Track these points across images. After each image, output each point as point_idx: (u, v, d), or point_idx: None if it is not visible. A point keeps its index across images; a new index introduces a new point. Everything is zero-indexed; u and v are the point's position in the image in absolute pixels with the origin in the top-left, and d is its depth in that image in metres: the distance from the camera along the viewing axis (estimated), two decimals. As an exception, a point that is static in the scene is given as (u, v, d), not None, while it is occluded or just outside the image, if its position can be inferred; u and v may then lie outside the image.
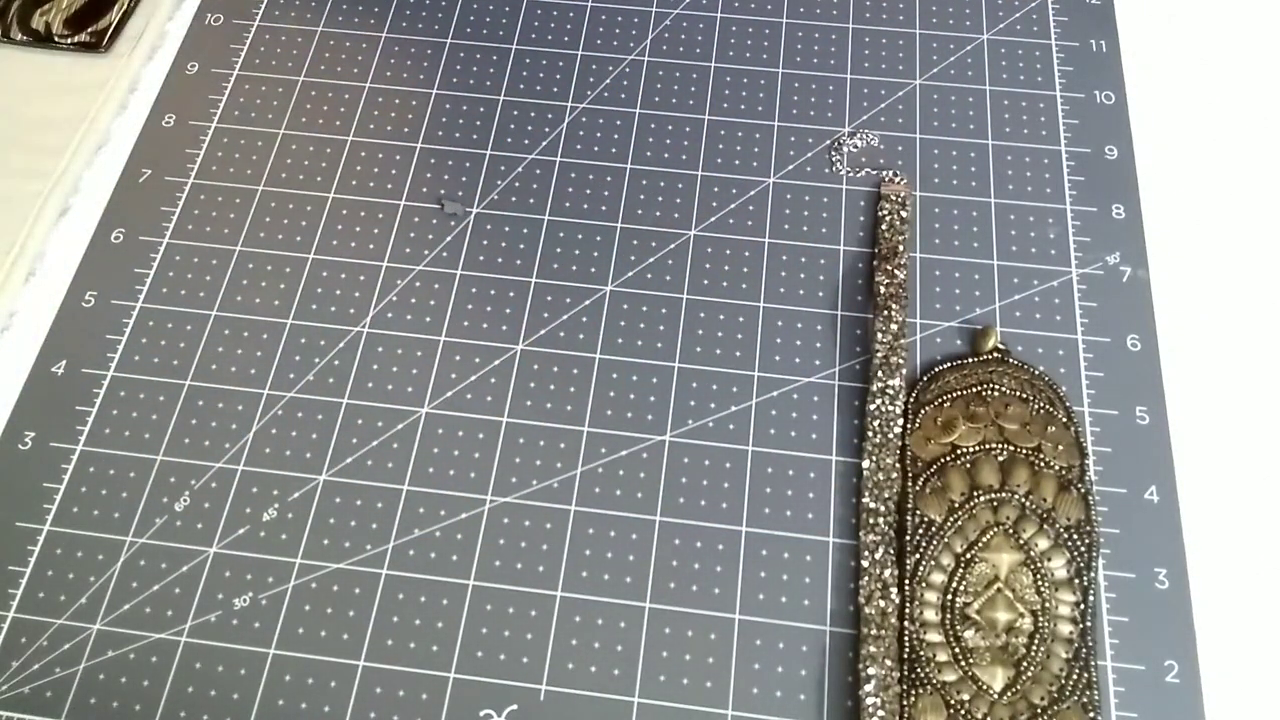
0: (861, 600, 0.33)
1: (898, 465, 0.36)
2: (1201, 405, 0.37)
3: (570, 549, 0.35)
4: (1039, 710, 0.32)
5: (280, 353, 0.39)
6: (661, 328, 0.39)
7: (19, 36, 0.46)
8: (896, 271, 0.39)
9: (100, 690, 0.33)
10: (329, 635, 0.34)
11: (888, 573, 0.34)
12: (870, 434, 0.36)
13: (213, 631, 0.34)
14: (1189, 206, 0.42)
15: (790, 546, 0.35)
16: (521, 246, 0.41)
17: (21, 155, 0.43)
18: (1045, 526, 0.34)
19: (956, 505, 0.34)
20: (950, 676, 0.32)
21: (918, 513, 0.35)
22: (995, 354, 0.38)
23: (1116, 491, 0.35)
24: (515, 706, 0.33)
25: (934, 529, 0.34)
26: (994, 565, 0.34)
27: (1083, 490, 0.35)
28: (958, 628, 0.33)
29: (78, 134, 0.44)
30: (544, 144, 0.44)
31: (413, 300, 0.40)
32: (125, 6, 0.47)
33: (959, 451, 0.36)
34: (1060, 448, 0.35)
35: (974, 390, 0.37)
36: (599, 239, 0.41)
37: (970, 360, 0.38)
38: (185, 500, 0.36)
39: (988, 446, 0.36)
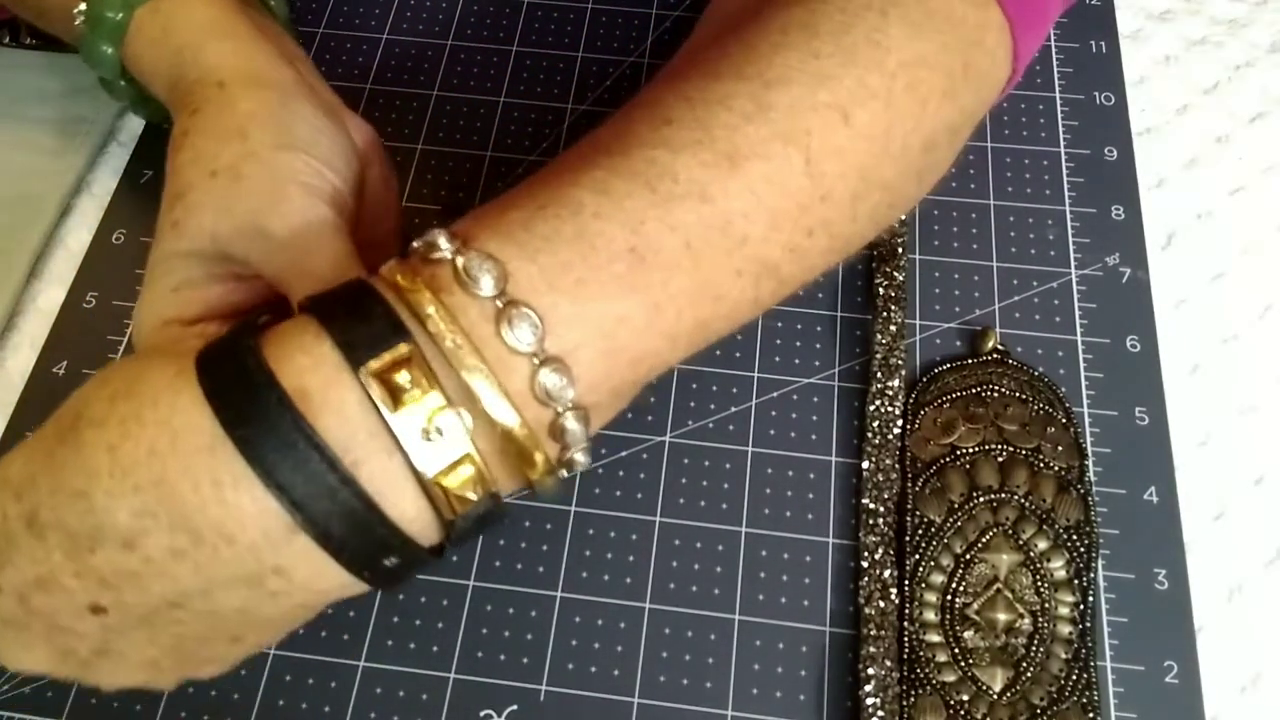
0: (861, 600, 0.33)
1: (897, 466, 0.36)
2: (1201, 405, 0.37)
3: (570, 549, 0.35)
4: (1038, 710, 0.32)
5: (281, 353, 0.39)
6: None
7: (29, 41, 0.46)
8: (896, 273, 0.39)
9: (100, 690, 0.33)
10: (329, 635, 0.34)
11: (887, 573, 0.34)
12: (870, 435, 0.36)
13: (213, 631, 0.34)
14: (1189, 207, 0.42)
15: (790, 547, 0.35)
16: (522, 247, 0.41)
17: (24, 156, 0.43)
18: (1045, 527, 0.34)
19: (956, 506, 0.35)
20: (950, 677, 0.32)
21: (917, 513, 0.35)
22: (995, 355, 0.38)
23: (1116, 492, 0.35)
24: (515, 706, 0.33)
25: (934, 530, 0.34)
26: (993, 566, 0.34)
27: (1082, 491, 0.35)
28: (957, 628, 0.33)
29: (80, 135, 0.44)
30: (544, 145, 0.44)
31: (413, 301, 0.40)
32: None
33: (958, 452, 0.36)
34: (1060, 448, 0.35)
35: (973, 391, 0.37)
36: (599, 240, 0.41)
37: (970, 361, 0.38)
38: (186, 500, 0.36)
39: (987, 447, 0.36)
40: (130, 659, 0.24)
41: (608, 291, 0.24)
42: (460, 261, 0.23)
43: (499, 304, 0.22)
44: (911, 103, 0.28)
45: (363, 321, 0.22)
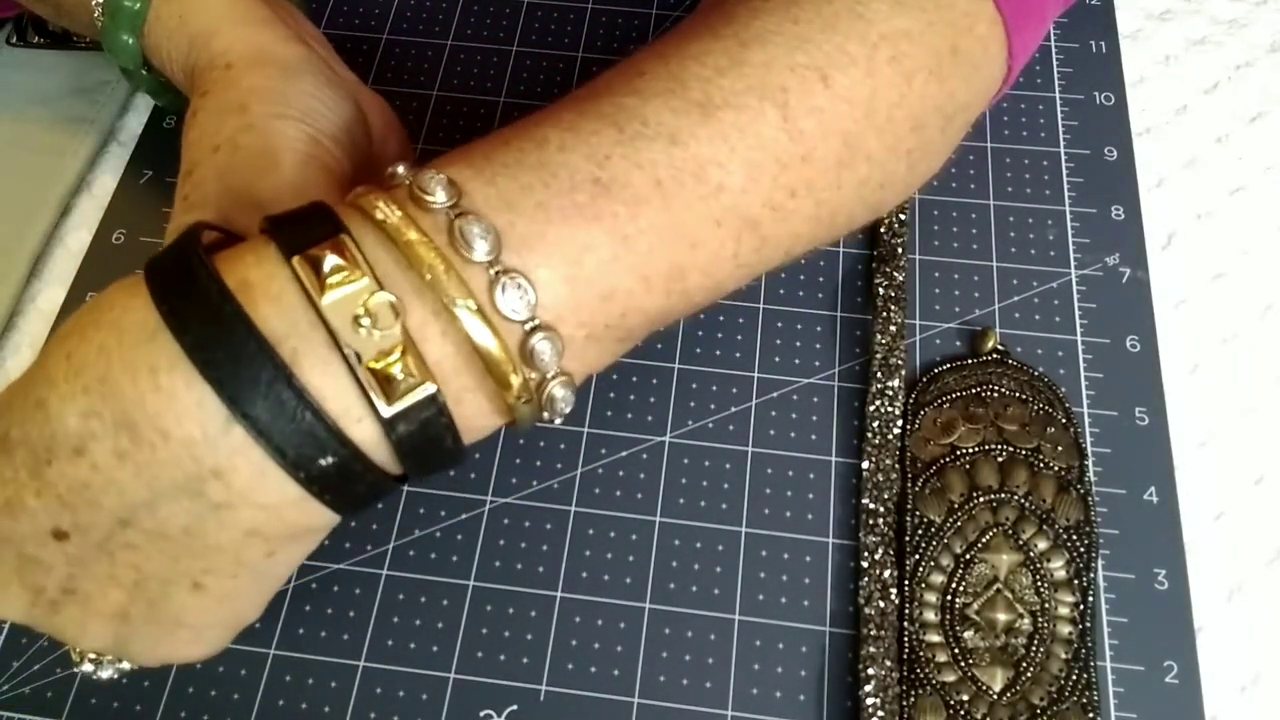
0: (861, 601, 0.33)
1: (897, 466, 0.36)
2: (1201, 405, 0.37)
3: (570, 549, 0.35)
4: (1038, 711, 0.32)
5: (281, 353, 0.39)
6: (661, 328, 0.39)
7: (36, 39, 0.46)
8: (895, 273, 0.39)
9: (100, 690, 0.33)
10: (329, 635, 0.34)
11: (887, 573, 0.34)
12: (870, 435, 0.36)
13: (213, 631, 0.34)
14: (1189, 207, 0.42)
15: (790, 547, 0.35)
16: (522, 247, 0.41)
17: (25, 155, 0.43)
18: (1045, 527, 0.34)
19: (956, 506, 0.35)
20: (950, 677, 0.32)
21: (917, 513, 0.35)
22: (994, 355, 0.38)
23: (1116, 492, 0.35)
24: (515, 706, 0.33)
25: (933, 530, 0.34)
26: (993, 566, 0.34)
27: (1082, 491, 0.35)
28: (957, 628, 0.33)
29: (80, 134, 0.44)
30: (544, 145, 0.44)
31: (413, 301, 0.40)
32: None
33: (958, 452, 0.36)
34: (1059, 448, 0.35)
35: (973, 391, 0.37)
36: (599, 240, 0.41)
37: (970, 361, 0.38)
38: (186, 500, 0.36)
39: (987, 447, 0.36)
40: (97, 604, 0.24)
41: (569, 217, 0.24)
42: (415, 179, 0.23)
43: (451, 215, 0.23)
44: (895, 75, 0.28)
45: (309, 225, 0.22)
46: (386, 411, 0.21)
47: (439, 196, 0.23)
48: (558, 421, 0.25)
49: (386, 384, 0.21)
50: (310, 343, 0.21)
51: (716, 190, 0.25)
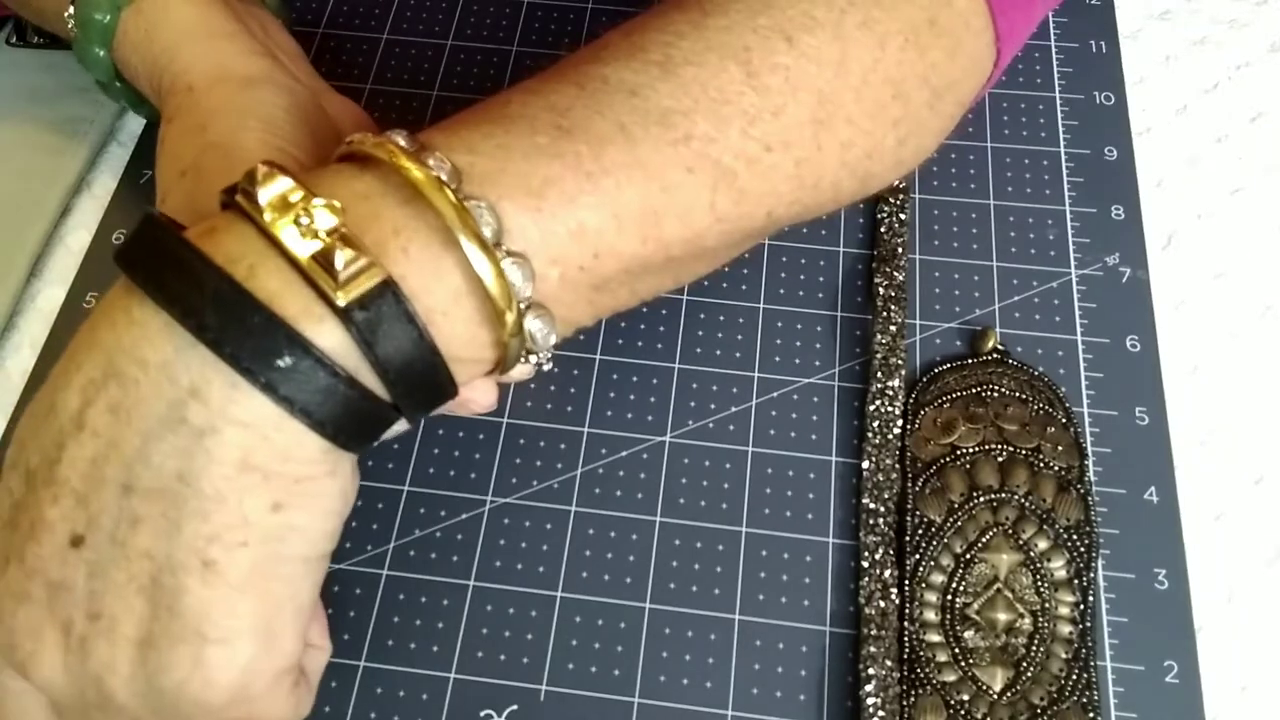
0: (861, 600, 0.33)
1: (897, 466, 0.36)
2: (1201, 405, 0.37)
3: (570, 549, 0.35)
4: (1039, 710, 0.32)
5: (281, 353, 0.39)
6: (661, 328, 0.39)
7: (36, 39, 0.46)
8: (895, 273, 0.39)
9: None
10: (330, 635, 0.34)
11: (888, 573, 0.34)
12: (870, 435, 0.36)
13: (213, 631, 0.34)
14: (1189, 207, 0.42)
15: (790, 547, 0.35)
16: (522, 247, 0.41)
17: (25, 155, 0.43)
18: (1045, 527, 0.34)
19: (956, 506, 0.35)
20: (950, 677, 0.32)
21: (917, 513, 0.35)
22: (995, 355, 0.38)
23: (1116, 492, 0.35)
24: (515, 706, 0.33)
25: (934, 529, 0.34)
26: (994, 566, 0.34)
27: (1082, 491, 0.35)
28: (958, 628, 0.33)
29: (80, 135, 0.44)
30: (544, 145, 0.44)
31: (413, 301, 0.40)
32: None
33: (958, 452, 0.36)
34: (1060, 448, 0.35)
35: (973, 391, 0.37)
36: (599, 240, 0.41)
37: (970, 361, 0.38)
38: (186, 500, 0.36)
39: (987, 447, 0.36)
40: (122, 626, 0.23)
41: (530, 155, 0.24)
42: (379, 133, 0.24)
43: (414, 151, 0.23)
44: (867, 39, 0.28)
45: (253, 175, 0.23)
46: (341, 300, 0.22)
47: (401, 142, 0.23)
48: (547, 367, 0.25)
49: (330, 271, 0.22)
50: (265, 256, 0.22)
51: (685, 138, 0.26)
